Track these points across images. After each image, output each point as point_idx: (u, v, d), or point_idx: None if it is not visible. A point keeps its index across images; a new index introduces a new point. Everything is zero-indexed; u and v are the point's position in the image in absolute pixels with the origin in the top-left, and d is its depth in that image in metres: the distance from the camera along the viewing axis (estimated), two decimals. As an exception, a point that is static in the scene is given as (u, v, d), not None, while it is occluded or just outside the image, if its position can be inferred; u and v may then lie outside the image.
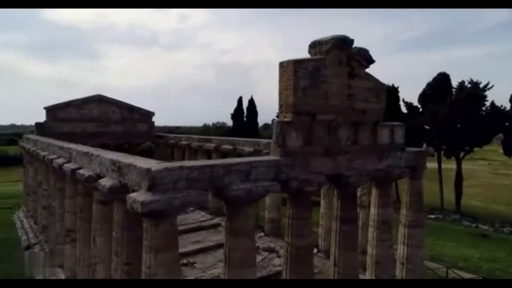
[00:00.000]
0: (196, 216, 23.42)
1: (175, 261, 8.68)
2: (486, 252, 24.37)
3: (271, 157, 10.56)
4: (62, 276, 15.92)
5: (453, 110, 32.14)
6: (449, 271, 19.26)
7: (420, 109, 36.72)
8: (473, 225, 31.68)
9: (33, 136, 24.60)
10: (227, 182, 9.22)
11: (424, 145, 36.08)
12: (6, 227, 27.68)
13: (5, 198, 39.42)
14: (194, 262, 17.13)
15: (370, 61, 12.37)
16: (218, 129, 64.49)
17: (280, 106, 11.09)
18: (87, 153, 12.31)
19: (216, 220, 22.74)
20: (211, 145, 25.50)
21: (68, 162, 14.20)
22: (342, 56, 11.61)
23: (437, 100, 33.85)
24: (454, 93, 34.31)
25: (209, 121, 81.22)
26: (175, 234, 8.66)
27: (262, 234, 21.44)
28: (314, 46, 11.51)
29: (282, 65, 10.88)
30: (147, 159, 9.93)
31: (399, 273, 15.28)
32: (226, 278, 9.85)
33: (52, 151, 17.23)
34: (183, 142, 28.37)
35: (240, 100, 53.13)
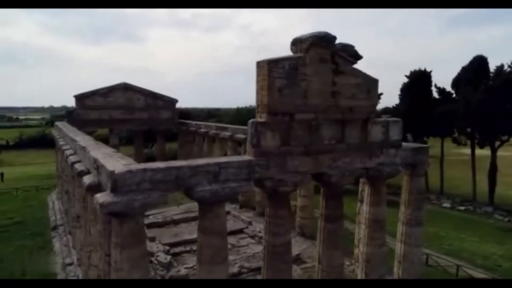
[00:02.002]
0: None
1: (141, 257, 9.18)
2: (512, 249, 23.02)
3: (243, 157, 10.67)
4: (75, 258, 17.27)
5: (489, 96, 29.94)
6: (461, 270, 18.53)
7: (454, 95, 34.61)
8: (506, 219, 29.81)
9: (60, 124, 26.33)
10: (194, 183, 9.49)
11: (456, 133, 34.20)
12: (42, 207, 30.24)
13: (50, 178, 42.80)
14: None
15: (357, 56, 11.93)
16: (250, 112, 64.61)
17: (257, 106, 11.06)
18: (84, 148, 13.06)
19: (227, 208, 23.28)
20: (226, 134, 25.91)
21: (74, 154, 15.18)
22: (325, 53, 11.25)
23: (472, 85, 31.68)
24: (491, 78, 31.89)
25: (249, 103, 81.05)
26: (140, 231, 9.12)
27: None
28: (295, 43, 11.23)
29: (258, 64, 10.77)
30: (125, 158, 10.40)
31: (396, 271, 15.03)
32: (198, 273, 10.30)
33: (67, 141, 18.43)
34: (202, 130, 29.03)
35: (269, 84, 52.79)
